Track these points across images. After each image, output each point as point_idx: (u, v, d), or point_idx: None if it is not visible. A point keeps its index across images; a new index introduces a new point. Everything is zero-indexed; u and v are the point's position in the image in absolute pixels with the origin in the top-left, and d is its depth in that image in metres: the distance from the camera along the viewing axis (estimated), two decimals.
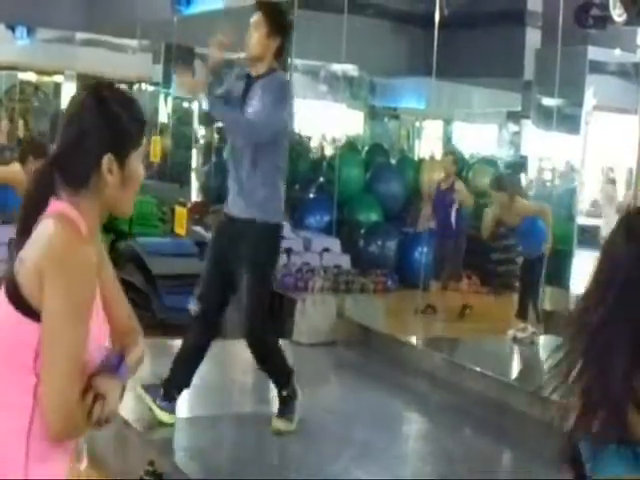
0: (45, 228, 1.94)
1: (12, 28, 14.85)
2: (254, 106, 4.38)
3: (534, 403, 5.33)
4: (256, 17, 4.48)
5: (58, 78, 16.18)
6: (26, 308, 1.91)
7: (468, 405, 5.42)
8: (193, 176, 15.12)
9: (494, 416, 5.25)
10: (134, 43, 14.39)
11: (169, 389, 4.54)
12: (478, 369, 5.89)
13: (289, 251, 11.14)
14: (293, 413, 4.58)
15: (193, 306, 4.66)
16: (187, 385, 4.63)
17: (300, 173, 13.43)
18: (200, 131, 16.28)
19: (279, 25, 4.48)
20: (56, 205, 1.99)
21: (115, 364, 2.02)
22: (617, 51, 9.97)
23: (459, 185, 8.98)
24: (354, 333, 6.90)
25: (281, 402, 4.61)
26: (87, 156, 1.98)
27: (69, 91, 15.49)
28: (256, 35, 4.45)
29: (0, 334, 1.96)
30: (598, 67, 9.88)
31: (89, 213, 2.00)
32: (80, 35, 14.58)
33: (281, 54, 4.54)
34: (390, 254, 11.19)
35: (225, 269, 4.52)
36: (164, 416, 4.48)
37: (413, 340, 6.96)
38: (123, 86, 15.76)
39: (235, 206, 4.48)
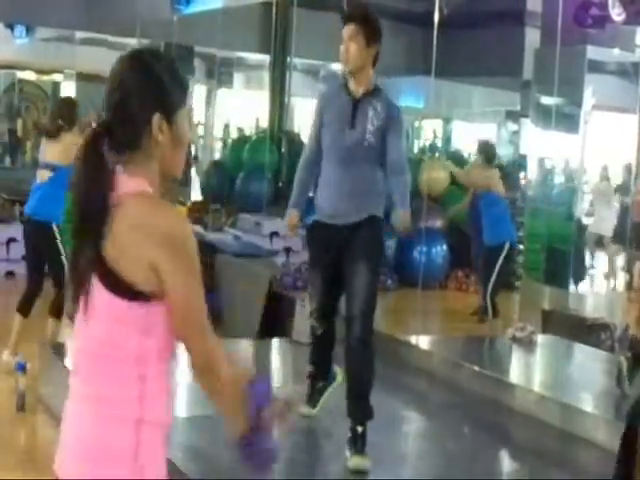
0: (139, 213, 1.94)
1: (11, 27, 14.83)
2: (372, 131, 4.38)
3: (533, 402, 5.35)
4: (351, 28, 4.38)
5: (57, 77, 16.17)
6: (129, 292, 1.94)
7: (467, 404, 5.42)
8: (193, 175, 15.13)
9: (493, 415, 5.26)
10: (133, 42, 14.38)
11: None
12: (477, 368, 5.90)
13: (288, 250, 11.16)
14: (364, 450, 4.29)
15: (316, 327, 4.68)
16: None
17: None
18: (200, 130, 16.30)
19: (375, 32, 4.42)
20: (128, 183, 1.98)
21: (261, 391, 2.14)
22: (616, 50, 9.97)
23: None
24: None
25: (355, 437, 4.31)
26: (136, 117, 1.99)
27: (68, 90, 15.49)
28: (354, 47, 4.35)
29: (103, 326, 1.98)
30: (597, 66, 9.88)
31: (152, 179, 2.02)
32: (79, 34, 14.58)
33: (377, 62, 4.47)
34: (389, 253, 11.19)
35: (335, 276, 4.49)
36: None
37: (412, 339, 6.96)
38: None
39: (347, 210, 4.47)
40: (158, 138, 2.00)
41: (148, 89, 2.00)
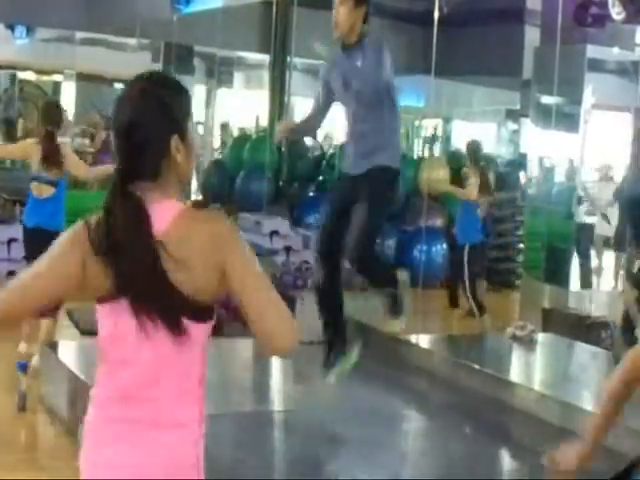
0: (187, 227, 2.01)
1: (11, 27, 14.84)
2: (364, 69, 4.58)
3: (534, 401, 5.35)
4: None
5: (57, 77, 16.17)
6: (202, 313, 2.01)
7: (467, 403, 5.43)
8: (192, 174, 15.12)
9: (493, 414, 5.26)
10: (133, 42, 14.39)
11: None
12: (477, 367, 5.90)
13: (288, 249, 11.17)
14: (402, 312, 4.91)
15: (318, 269, 4.92)
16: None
17: (299, 171, 13.44)
18: (200, 130, 16.29)
19: None
20: (164, 211, 2.02)
21: None
22: (616, 49, 9.97)
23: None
24: (353, 331, 6.90)
25: (393, 301, 4.84)
26: (157, 150, 2.03)
27: (68, 90, 15.49)
28: (343, 10, 4.59)
29: (177, 352, 2.01)
30: (597, 65, 9.89)
31: (173, 194, 2.07)
32: (79, 34, 14.58)
33: (367, 19, 4.69)
34: (389, 252, 11.20)
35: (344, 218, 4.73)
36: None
37: (412, 338, 6.97)
38: (122, 85, 15.82)
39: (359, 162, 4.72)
40: (177, 159, 2.03)
41: (162, 121, 2.04)
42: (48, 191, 6.47)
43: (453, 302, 9.25)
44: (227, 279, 1.99)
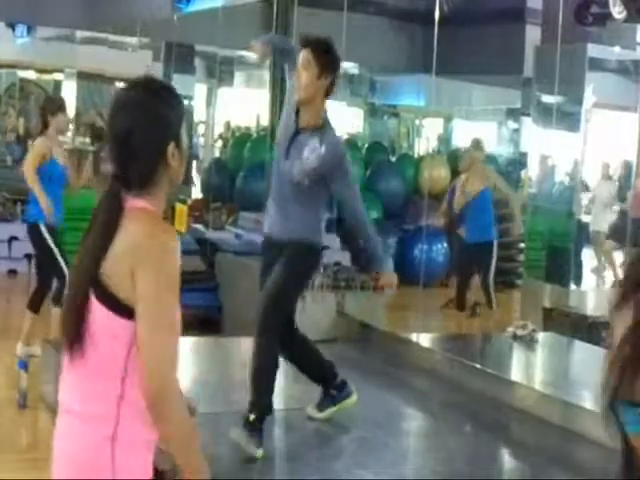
0: (130, 228, 2.01)
1: (12, 26, 14.84)
2: (303, 171, 4.21)
3: (534, 400, 5.35)
4: (304, 55, 4.17)
5: (58, 76, 16.17)
6: (116, 305, 2.00)
7: (468, 402, 5.43)
8: (194, 173, 15.13)
9: (494, 413, 5.26)
10: (134, 41, 14.39)
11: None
12: (478, 366, 5.90)
13: None
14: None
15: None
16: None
17: None
18: (200, 129, 16.30)
19: (330, 62, 4.20)
20: (135, 202, 2.05)
21: None
22: (617, 48, 9.96)
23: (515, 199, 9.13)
24: (354, 330, 6.91)
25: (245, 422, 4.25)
26: (153, 158, 2.05)
27: (69, 89, 15.49)
28: (306, 75, 4.15)
29: (96, 340, 2.04)
30: (598, 64, 9.87)
31: (160, 200, 2.10)
32: (80, 33, 14.58)
33: (331, 92, 4.26)
34: (390, 252, 11.19)
35: None
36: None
37: (413, 337, 6.97)
38: (122, 84, 15.83)
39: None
40: (172, 164, 2.03)
41: (160, 131, 2.05)
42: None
43: (461, 305, 9.01)
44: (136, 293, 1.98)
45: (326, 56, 4.19)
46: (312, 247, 4.42)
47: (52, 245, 6.50)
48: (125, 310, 1.99)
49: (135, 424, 2.04)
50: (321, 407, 4.75)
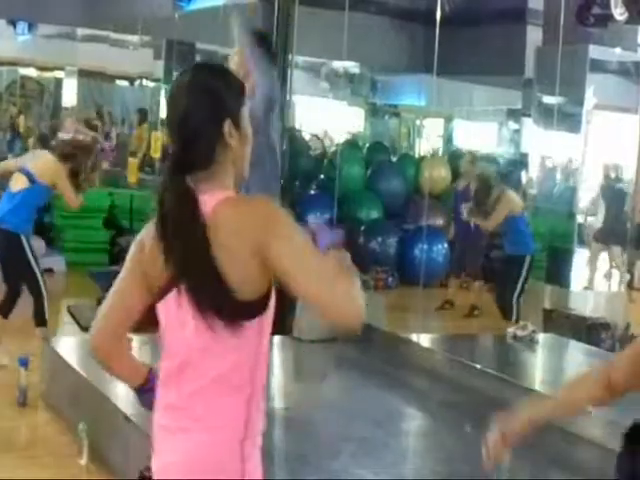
0: (233, 219, 1.96)
1: (13, 24, 14.83)
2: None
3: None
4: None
5: (59, 74, 16.17)
6: (246, 311, 1.97)
7: (468, 402, 5.43)
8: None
9: (494, 414, 5.26)
10: (135, 39, 14.39)
11: None
12: (478, 367, 5.90)
13: None
14: None
15: None
16: None
17: (301, 170, 13.43)
18: None
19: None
20: (210, 200, 1.99)
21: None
22: (618, 50, 9.97)
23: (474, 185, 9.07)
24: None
25: None
26: (210, 137, 2.02)
27: (70, 87, 15.49)
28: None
29: (216, 366, 2.00)
30: (599, 65, 9.89)
31: (229, 185, 2.05)
32: (81, 31, 14.58)
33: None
34: (391, 251, 11.20)
35: None
36: None
37: (414, 337, 6.97)
38: (124, 82, 15.81)
39: None
40: (232, 144, 2.02)
41: (212, 107, 2.02)
42: (22, 183, 6.52)
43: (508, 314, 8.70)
44: (271, 267, 1.95)
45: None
46: None
47: (31, 259, 6.39)
48: (251, 310, 1.97)
49: (257, 419, 2.06)
50: None
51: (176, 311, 1.98)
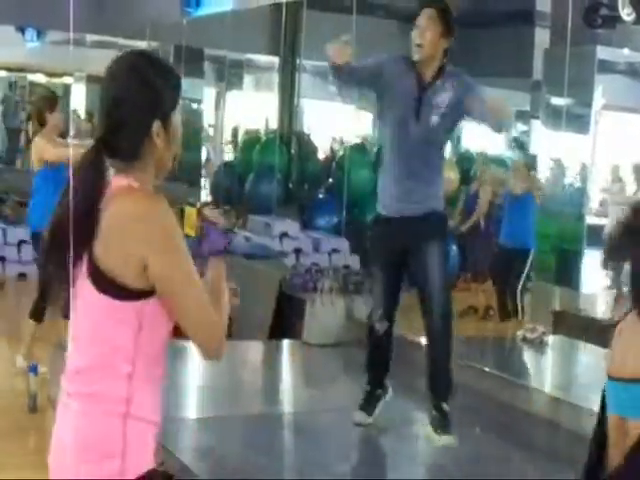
0: (122, 208, 1.98)
1: (22, 30, 14.90)
2: (437, 123, 4.25)
3: (544, 404, 5.33)
4: (429, 13, 4.26)
5: (68, 80, 16.24)
6: (119, 292, 1.98)
7: (477, 405, 5.41)
8: (203, 176, 15.14)
9: (503, 416, 5.25)
10: (143, 45, 14.42)
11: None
12: (487, 369, 5.89)
13: (298, 252, 11.16)
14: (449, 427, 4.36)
15: (380, 325, 4.61)
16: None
17: (309, 173, 13.44)
18: (209, 131, 16.31)
19: (451, 26, 4.34)
20: (119, 181, 2.02)
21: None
22: (626, 51, 9.95)
23: (483, 189, 9.08)
24: (363, 334, 6.88)
25: (441, 416, 4.39)
26: (137, 129, 2.02)
27: (79, 92, 15.54)
28: (429, 33, 4.24)
29: (93, 324, 2.04)
30: (607, 67, 9.86)
31: (144, 181, 2.06)
32: (90, 37, 14.63)
33: (445, 57, 4.36)
34: None
35: (399, 271, 4.49)
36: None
37: (423, 340, 6.94)
38: None
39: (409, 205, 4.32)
40: (157, 143, 2.02)
41: (146, 99, 2.03)
42: None
43: (506, 313, 8.70)
44: (151, 278, 1.97)
45: (448, 17, 4.32)
46: (445, 218, 4.50)
47: None
48: (128, 294, 1.98)
49: (145, 402, 2.05)
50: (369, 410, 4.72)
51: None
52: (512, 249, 7.82)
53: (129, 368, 2.01)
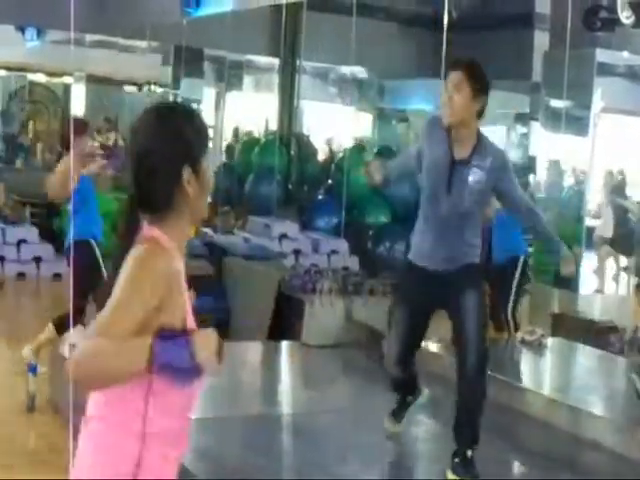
0: (134, 251, 2.01)
1: (22, 30, 14.90)
2: (471, 198, 4.12)
3: (543, 406, 5.34)
4: (456, 76, 4.02)
5: (68, 79, 16.24)
6: None
7: None
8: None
9: (503, 419, 5.26)
10: (143, 45, 14.44)
11: None
12: (487, 372, 5.88)
13: (297, 253, 11.18)
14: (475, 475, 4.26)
15: (395, 370, 4.55)
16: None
17: (309, 175, 13.46)
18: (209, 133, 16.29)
19: (482, 84, 4.06)
20: (147, 231, 2.06)
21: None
22: (625, 53, 9.96)
23: None
24: (363, 335, 6.90)
25: (463, 461, 4.27)
26: (169, 180, 2.03)
27: (79, 92, 15.54)
28: (458, 97, 3.99)
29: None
30: (606, 69, 9.88)
31: (177, 229, 2.07)
32: (90, 37, 14.63)
33: (482, 115, 4.12)
34: (399, 256, 11.19)
35: (427, 320, 4.46)
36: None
37: (423, 343, 6.95)
38: (132, 88, 15.85)
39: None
40: (188, 191, 2.04)
41: (176, 150, 2.04)
42: None
43: (501, 325, 8.56)
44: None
45: (478, 77, 4.06)
46: (480, 268, 4.37)
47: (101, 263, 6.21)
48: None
49: (161, 423, 2.06)
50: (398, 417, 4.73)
51: None
52: (501, 261, 7.69)
53: (145, 385, 2.02)
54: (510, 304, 7.38)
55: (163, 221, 2.05)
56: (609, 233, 11.47)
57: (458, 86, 3.99)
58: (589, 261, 10.55)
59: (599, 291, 11.11)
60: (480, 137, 4.13)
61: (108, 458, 2.03)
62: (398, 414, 4.69)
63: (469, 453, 4.23)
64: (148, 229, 2.06)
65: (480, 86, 4.03)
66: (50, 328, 6.34)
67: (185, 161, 2.03)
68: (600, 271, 11.20)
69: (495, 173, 4.08)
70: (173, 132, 2.04)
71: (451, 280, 4.17)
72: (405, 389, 4.70)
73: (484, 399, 4.34)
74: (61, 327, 6.14)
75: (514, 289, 7.40)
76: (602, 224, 11.93)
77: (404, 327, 4.40)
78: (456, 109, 3.99)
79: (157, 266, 1.98)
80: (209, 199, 2.19)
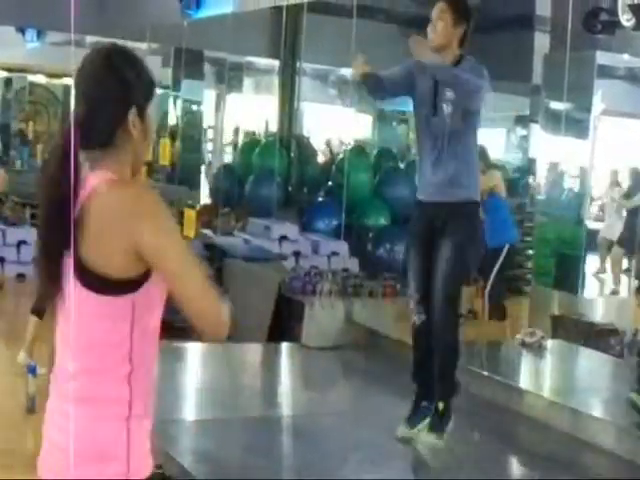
0: (105, 201, 1.97)
1: (22, 31, 14.91)
2: (452, 113, 4.39)
3: (543, 408, 5.34)
4: (440, 6, 4.43)
5: (68, 80, 16.25)
6: (111, 288, 1.97)
7: (476, 409, 5.41)
8: (202, 179, 15.16)
9: (502, 420, 5.26)
10: (144, 46, 14.43)
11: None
12: (486, 373, 5.89)
13: (297, 254, 11.17)
14: (444, 430, 4.40)
15: (417, 318, 4.51)
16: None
17: (309, 177, 13.46)
18: (209, 134, 16.32)
19: (463, 12, 4.49)
20: (95, 178, 2.02)
21: None
22: (626, 56, 9.97)
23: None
24: (363, 337, 6.90)
25: (437, 415, 4.41)
26: (113, 116, 2.05)
27: None
28: (441, 24, 4.40)
29: (89, 332, 2.01)
30: (607, 72, 9.88)
31: (123, 172, 2.07)
32: (90, 38, 14.63)
33: (464, 42, 4.50)
34: (399, 258, 11.19)
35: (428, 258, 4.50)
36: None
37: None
38: None
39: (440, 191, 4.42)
40: (133, 133, 2.04)
41: (122, 90, 2.06)
42: None
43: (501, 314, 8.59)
44: (146, 259, 1.97)
45: (459, 6, 4.46)
46: (475, 205, 4.52)
47: None
48: (117, 288, 1.97)
49: (143, 400, 2.04)
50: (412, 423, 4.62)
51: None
52: (490, 250, 7.90)
53: (128, 367, 2.01)
54: (488, 288, 7.55)
55: (104, 163, 2.04)
56: (615, 235, 11.48)
57: (441, 15, 4.41)
58: (589, 263, 10.54)
59: (615, 293, 11.14)
60: (464, 60, 4.49)
61: (99, 442, 2.02)
62: (410, 419, 4.61)
63: (440, 406, 4.38)
64: (97, 174, 2.03)
65: (460, 14, 4.46)
66: (32, 319, 6.39)
67: (130, 102, 2.05)
68: (614, 272, 11.22)
69: (466, 79, 4.42)
70: (120, 78, 2.06)
71: (445, 214, 4.37)
72: (425, 374, 4.57)
73: (456, 354, 4.44)
74: (41, 311, 6.22)
75: (493, 275, 7.58)
76: (607, 226, 11.94)
77: (417, 262, 4.52)
78: (439, 34, 4.40)
79: (158, 197, 2.01)
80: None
